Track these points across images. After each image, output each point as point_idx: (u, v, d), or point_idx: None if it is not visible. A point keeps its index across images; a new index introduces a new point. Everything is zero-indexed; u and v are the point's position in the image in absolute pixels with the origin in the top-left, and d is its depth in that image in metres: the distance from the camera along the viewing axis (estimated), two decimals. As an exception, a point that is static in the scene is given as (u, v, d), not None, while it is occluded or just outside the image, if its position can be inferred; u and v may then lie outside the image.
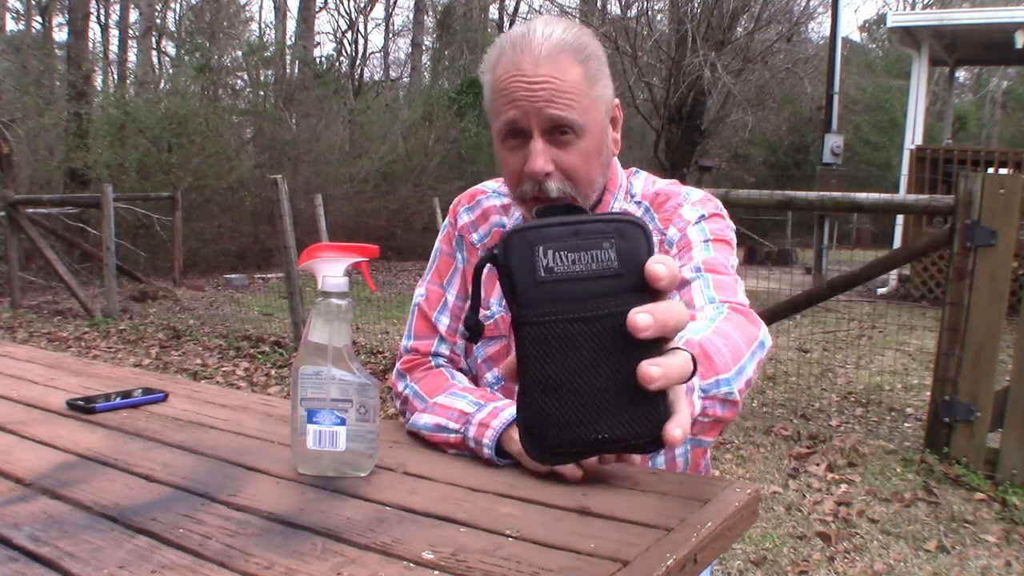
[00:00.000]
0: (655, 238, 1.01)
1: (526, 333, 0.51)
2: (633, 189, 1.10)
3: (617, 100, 1.04)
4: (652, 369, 0.50)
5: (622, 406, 0.51)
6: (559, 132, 0.95)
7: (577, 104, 0.94)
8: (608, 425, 0.51)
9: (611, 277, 0.50)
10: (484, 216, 1.15)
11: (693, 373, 0.54)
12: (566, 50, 0.93)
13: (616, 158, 1.09)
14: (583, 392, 0.50)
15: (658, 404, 0.52)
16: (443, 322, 1.12)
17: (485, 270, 0.55)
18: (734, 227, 1.09)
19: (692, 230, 1.03)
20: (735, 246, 1.06)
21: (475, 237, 1.14)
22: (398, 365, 1.14)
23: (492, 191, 1.17)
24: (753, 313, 0.93)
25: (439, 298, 1.14)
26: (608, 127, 1.02)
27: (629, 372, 0.50)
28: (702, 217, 1.04)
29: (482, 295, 1.09)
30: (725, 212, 1.08)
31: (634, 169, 1.14)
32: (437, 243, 1.18)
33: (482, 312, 1.09)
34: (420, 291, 1.16)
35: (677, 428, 0.52)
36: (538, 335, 0.50)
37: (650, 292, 0.50)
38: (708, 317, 0.88)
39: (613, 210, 1.07)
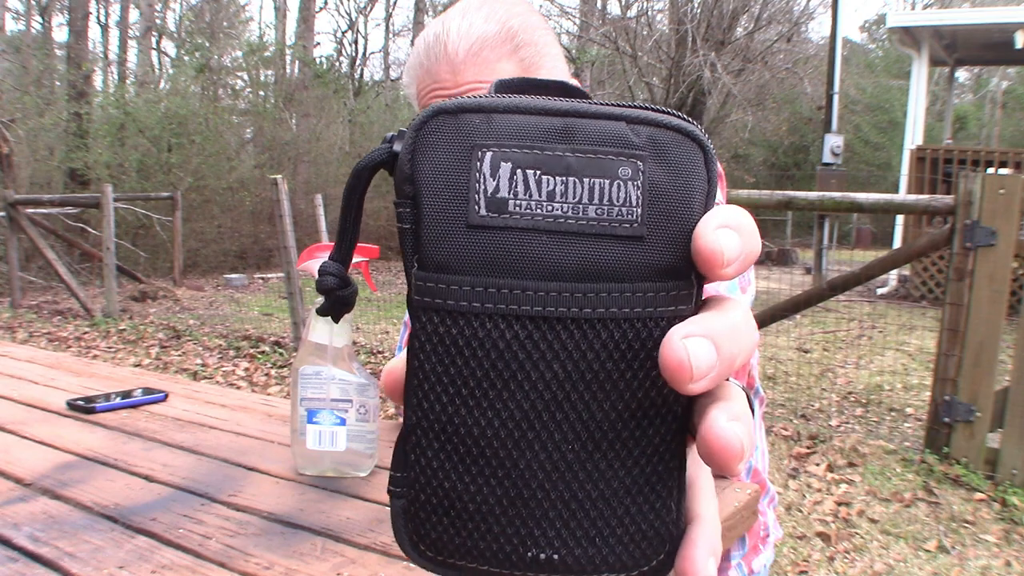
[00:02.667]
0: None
1: (428, 327, 0.25)
2: None
3: (576, 83, 0.83)
4: (695, 345, 0.23)
5: (600, 500, 0.24)
6: None
7: None
8: (565, 535, 0.25)
9: (625, 241, 0.24)
10: None
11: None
12: (488, 45, 0.79)
13: None
14: (524, 463, 0.24)
15: (669, 498, 0.25)
16: None
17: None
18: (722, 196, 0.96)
19: None
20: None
21: None
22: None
23: None
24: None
25: None
26: None
27: (625, 433, 0.24)
28: None
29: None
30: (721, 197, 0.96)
31: None
32: None
33: None
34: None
35: (710, 559, 0.25)
36: (451, 336, 0.24)
37: (697, 282, 0.25)
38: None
39: None
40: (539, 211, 0.24)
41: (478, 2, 0.82)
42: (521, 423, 0.24)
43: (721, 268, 0.23)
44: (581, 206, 0.24)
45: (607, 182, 0.24)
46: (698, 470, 0.27)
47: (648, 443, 0.24)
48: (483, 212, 0.24)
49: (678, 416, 0.25)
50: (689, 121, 0.25)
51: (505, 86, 0.29)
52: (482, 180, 0.24)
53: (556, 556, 0.25)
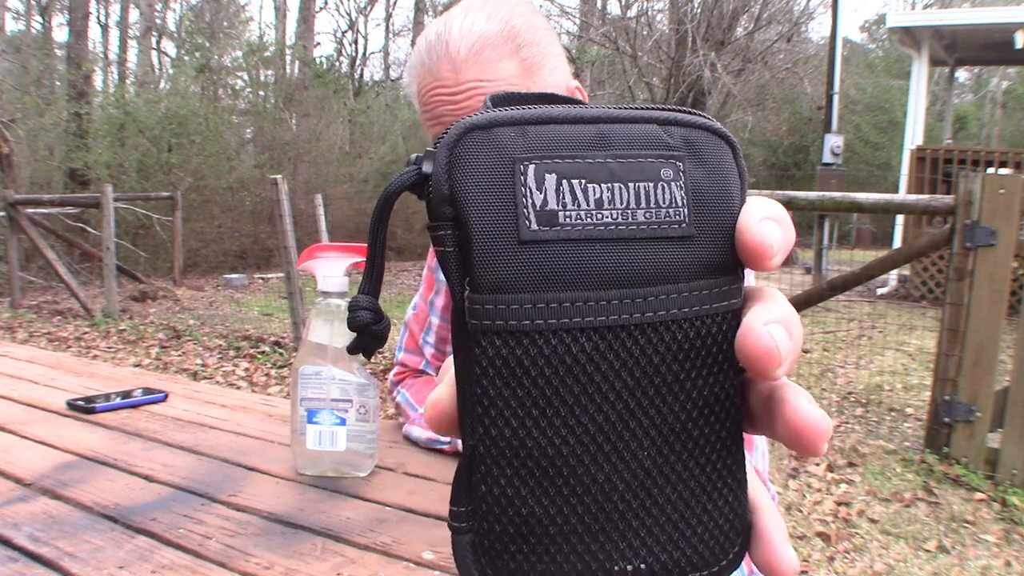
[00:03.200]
0: None
1: (489, 351, 0.23)
2: None
3: (576, 84, 0.88)
4: (778, 331, 0.23)
5: (680, 502, 0.24)
6: None
7: None
8: (651, 543, 0.24)
9: (676, 242, 0.24)
10: None
11: None
12: (490, 44, 0.79)
13: None
14: (603, 477, 0.24)
15: (741, 489, 0.25)
16: (429, 344, 1.07)
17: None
18: None
19: None
20: None
21: None
22: (391, 374, 1.14)
23: None
24: None
25: (425, 318, 1.08)
26: None
27: (696, 433, 0.24)
28: None
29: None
30: None
31: None
32: (428, 254, 1.12)
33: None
34: (412, 304, 1.12)
35: (786, 542, 0.26)
36: (515, 357, 0.23)
37: (741, 274, 0.25)
38: None
39: None
40: (590, 220, 0.23)
41: (480, 1, 0.82)
42: (596, 436, 0.23)
43: (770, 259, 0.24)
44: (630, 211, 0.23)
45: (652, 185, 0.24)
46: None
47: (717, 439, 0.25)
48: (534, 226, 0.23)
49: (739, 409, 0.25)
50: (710, 118, 0.25)
51: (498, 100, 0.28)
52: (529, 194, 0.23)
53: (643, 565, 0.24)
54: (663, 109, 0.25)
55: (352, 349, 0.29)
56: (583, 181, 0.23)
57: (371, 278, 0.29)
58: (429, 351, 1.07)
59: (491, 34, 0.79)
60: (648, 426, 0.24)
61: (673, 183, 0.24)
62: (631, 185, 0.24)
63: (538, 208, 0.23)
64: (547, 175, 0.23)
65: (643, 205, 0.24)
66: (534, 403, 0.23)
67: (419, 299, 1.10)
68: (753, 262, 0.24)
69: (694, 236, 0.24)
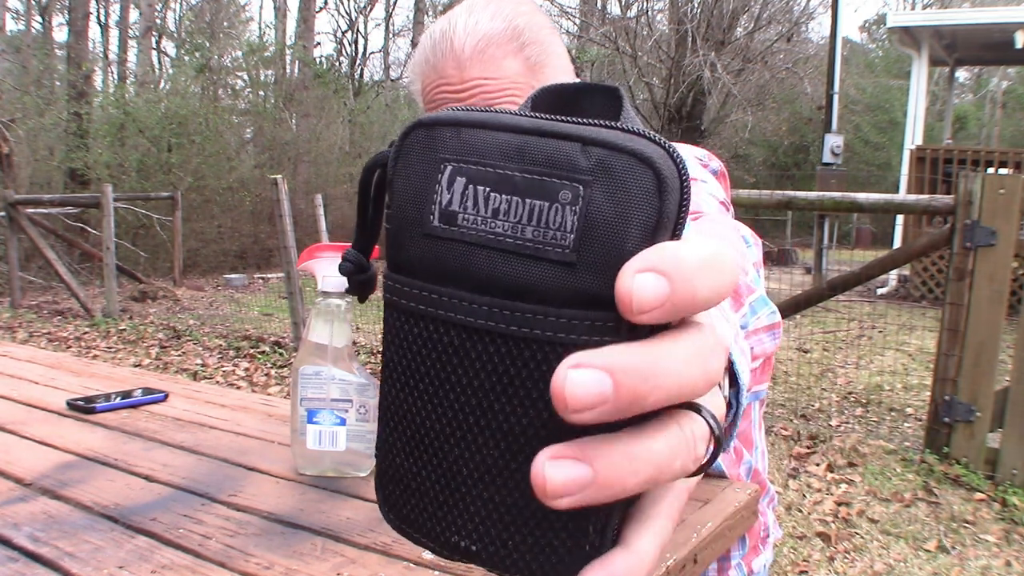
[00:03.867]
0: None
1: (388, 319, 0.27)
2: None
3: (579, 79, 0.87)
4: (556, 469, 0.22)
5: (514, 507, 0.25)
6: None
7: (520, 101, 0.78)
8: (482, 530, 0.25)
9: (556, 266, 0.23)
10: None
11: (716, 450, 0.25)
12: (495, 42, 0.79)
13: None
14: (452, 457, 0.25)
15: (586, 523, 0.24)
16: None
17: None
18: (719, 186, 0.89)
19: None
20: (725, 204, 0.86)
21: None
22: None
23: None
24: None
25: None
26: None
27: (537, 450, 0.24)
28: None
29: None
30: (708, 176, 0.88)
31: None
32: None
33: None
34: None
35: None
36: (403, 331, 0.26)
37: (624, 322, 0.23)
38: None
39: None
40: (483, 227, 0.24)
41: (484, 0, 0.82)
42: (452, 421, 0.25)
43: (632, 315, 0.21)
44: (520, 226, 0.24)
45: (547, 204, 0.24)
46: (655, 503, 0.25)
47: None
48: (436, 223, 0.25)
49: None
50: (662, 146, 0.24)
51: (550, 92, 0.29)
52: (440, 192, 0.25)
53: (474, 547, 0.25)
54: (613, 127, 0.24)
55: (347, 291, 0.34)
56: (487, 189, 0.24)
57: (360, 236, 0.32)
58: None
59: (495, 32, 0.79)
60: (495, 428, 0.24)
61: (568, 207, 0.23)
62: (528, 201, 0.24)
63: (443, 207, 0.25)
64: (458, 178, 0.25)
65: (533, 223, 0.24)
66: (411, 374, 0.26)
67: None
68: (621, 312, 0.22)
69: (575, 264, 0.23)
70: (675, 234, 0.24)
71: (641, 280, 0.21)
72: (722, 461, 0.89)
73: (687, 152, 0.89)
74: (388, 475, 0.27)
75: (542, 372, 0.23)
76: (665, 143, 0.24)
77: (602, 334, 0.23)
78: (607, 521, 0.24)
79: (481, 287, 0.24)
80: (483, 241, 0.24)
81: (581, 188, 0.23)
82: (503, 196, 0.24)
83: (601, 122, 0.24)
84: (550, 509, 0.23)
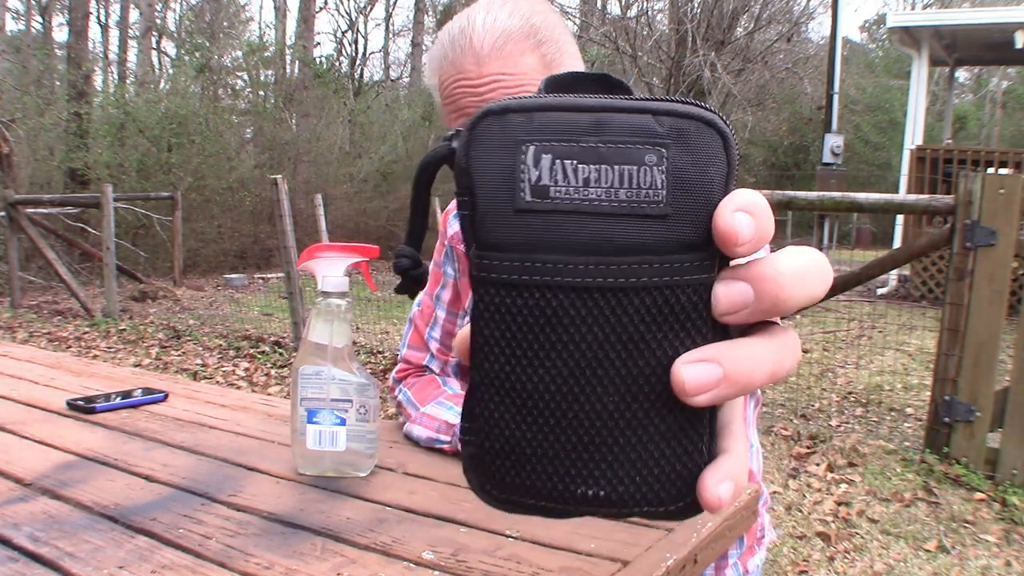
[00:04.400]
0: None
1: (485, 297, 0.28)
2: None
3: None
4: (695, 371, 0.26)
5: (641, 444, 0.28)
6: None
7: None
8: (609, 476, 0.28)
9: (651, 219, 0.27)
10: None
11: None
12: (512, 39, 0.81)
13: None
14: (571, 413, 0.28)
15: (700, 440, 0.28)
16: (434, 339, 1.08)
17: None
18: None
19: None
20: None
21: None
22: (394, 371, 1.14)
23: None
24: None
25: (431, 313, 1.09)
26: None
27: (659, 387, 0.27)
28: None
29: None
30: None
31: None
32: (435, 250, 1.14)
33: None
34: (416, 301, 1.12)
35: (723, 482, 0.27)
36: (505, 305, 0.28)
37: (719, 257, 0.27)
38: None
39: None
40: (577, 196, 0.27)
41: (505, 1, 0.84)
42: (568, 379, 0.27)
43: (735, 246, 0.26)
44: (613, 190, 0.27)
45: (635, 168, 0.27)
46: (732, 413, 0.29)
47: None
48: (528, 198, 0.27)
49: None
50: (712, 111, 0.27)
51: (554, 81, 0.32)
52: (527, 171, 0.27)
53: (602, 492, 0.28)
54: (668, 100, 0.27)
55: (398, 290, 0.37)
56: (574, 162, 0.27)
57: (411, 234, 0.36)
58: (434, 345, 1.07)
59: (513, 30, 0.81)
60: (613, 375, 0.27)
61: (655, 167, 0.27)
62: (616, 167, 0.27)
63: (533, 182, 0.27)
64: (543, 155, 0.27)
65: (625, 185, 0.27)
66: (518, 344, 0.28)
67: (424, 296, 1.10)
68: (723, 247, 0.26)
69: (670, 215, 0.27)
70: (735, 180, 0.28)
71: (740, 217, 0.26)
72: None
73: None
74: (496, 451, 0.29)
75: (652, 316, 0.27)
76: (714, 110, 0.28)
77: (699, 272, 0.27)
78: (712, 436, 0.28)
79: (583, 249, 0.27)
80: (579, 208, 0.27)
81: (664, 151, 0.27)
82: (591, 166, 0.27)
83: (660, 97, 0.28)
84: (672, 437, 0.28)
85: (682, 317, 0.27)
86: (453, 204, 1.09)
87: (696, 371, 0.26)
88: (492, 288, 0.28)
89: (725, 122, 0.27)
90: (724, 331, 0.28)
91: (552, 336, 0.27)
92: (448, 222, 1.08)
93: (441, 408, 0.97)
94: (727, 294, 0.27)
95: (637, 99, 0.28)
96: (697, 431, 0.28)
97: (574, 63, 0.87)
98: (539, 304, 0.27)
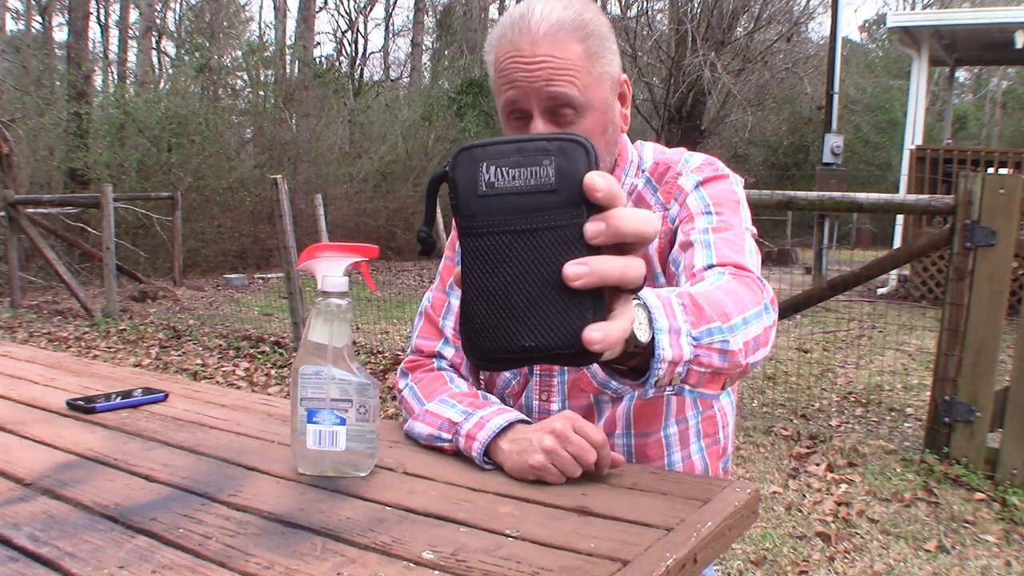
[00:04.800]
0: (657, 213, 0.99)
1: (465, 244, 0.51)
2: (644, 164, 1.06)
3: (625, 76, 1.03)
4: (574, 268, 0.47)
5: (550, 314, 0.49)
6: (560, 110, 0.94)
7: (577, 81, 0.93)
8: (535, 333, 0.49)
9: (547, 192, 0.49)
10: None
11: (643, 281, 0.51)
12: (564, 28, 0.93)
13: (625, 135, 1.07)
14: (513, 300, 0.50)
15: (585, 311, 0.49)
16: (448, 325, 1.12)
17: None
18: (741, 180, 1.05)
19: (691, 199, 0.99)
20: (743, 202, 1.00)
21: None
22: (402, 363, 1.15)
23: None
24: (759, 279, 0.85)
25: (443, 303, 1.13)
26: (615, 103, 1.00)
27: (559, 281, 0.49)
28: (698, 184, 1.00)
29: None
30: (728, 171, 1.03)
31: (640, 141, 1.11)
32: (444, 250, 1.18)
33: None
34: (427, 297, 1.16)
35: (596, 331, 0.47)
36: (476, 246, 0.51)
37: (589, 206, 0.49)
38: (708, 281, 0.83)
39: (624, 183, 1.04)
40: (508, 185, 0.51)
41: None
42: (511, 280, 0.50)
43: (594, 192, 0.49)
44: (527, 180, 0.50)
45: (538, 167, 0.50)
46: (618, 303, 0.52)
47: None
48: (483, 189, 0.51)
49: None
50: (580, 138, 0.50)
51: (465, 148, 0.54)
52: (482, 174, 0.51)
53: (534, 343, 0.50)
54: (555, 136, 0.51)
55: (421, 253, 0.60)
56: (507, 168, 0.51)
57: (426, 221, 0.58)
58: (449, 331, 1.12)
59: (566, 20, 0.94)
60: (534, 275, 0.50)
61: (550, 166, 0.50)
62: (529, 168, 0.50)
63: (486, 181, 0.51)
64: (491, 167, 0.51)
65: (533, 177, 0.50)
66: (484, 265, 0.51)
67: (435, 291, 1.16)
68: (588, 195, 0.49)
69: (557, 190, 0.50)
70: (597, 167, 0.51)
71: (594, 177, 0.49)
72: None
73: (700, 159, 1.04)
74: (475, 329, 0.51)
75: (552, 243, 0.49)
76: (583, 137, 0.51)
77: (575, 219, 0.49)
78: (598, 307, 0.50)
79: (513, 212, 0.50)
80: (510, 191, 0.50)
81: (553, 158, 0.50)
82: (515, 169, 0.50)
83: (553, 134, 0.51)
84: (570, 304, 0.49)
85: (568, 242, 0.49)
86: None
87: (574, 269, 0.48)
88: (468, 239, 0.51)
89: (587, 141, 0.50)
90: (597, 250, 0.49)
91: (501, 258, 0.50)
92: None
93: (444, 406, 0.97)
94: (591, 227, 0.49)
95: (539, 135, 0.51)
96: (582, 304, 0.49)
97: (613, 59, 0.99)
98: (494, 243, 0.50)
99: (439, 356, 1.12)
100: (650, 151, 1.08)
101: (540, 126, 0.94)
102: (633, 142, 1.10)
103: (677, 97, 12.50)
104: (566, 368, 1.03)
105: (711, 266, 0.88)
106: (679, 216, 0.99)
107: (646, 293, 0.64)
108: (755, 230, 0.99)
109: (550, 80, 0.92)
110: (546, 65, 0.92)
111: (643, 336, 0.61)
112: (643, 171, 1.05)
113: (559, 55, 0.92)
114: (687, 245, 0.94)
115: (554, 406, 1.05)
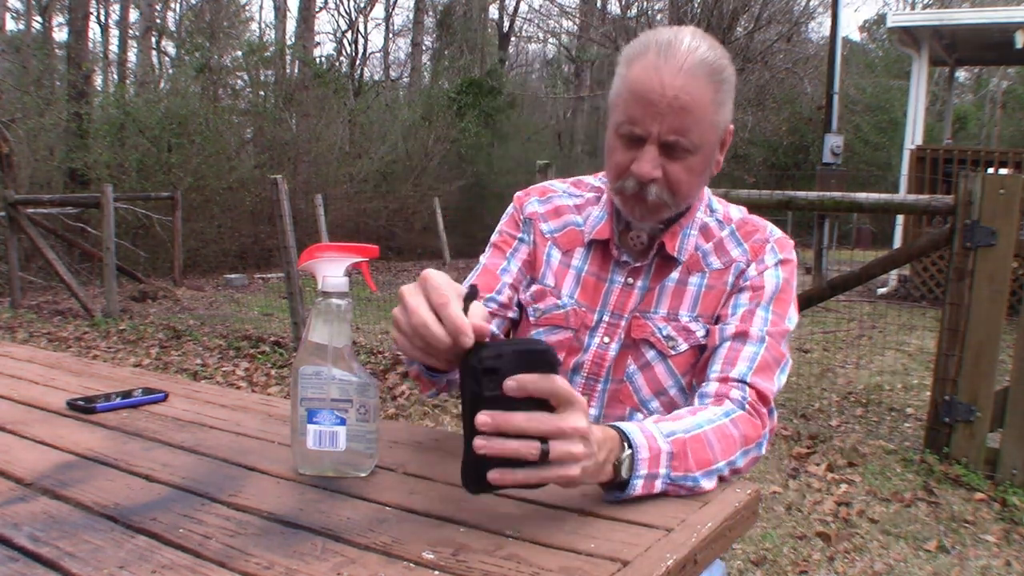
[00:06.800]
0: (737, 268, 1.06)
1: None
2: (712, 205, 1.12)
3: (732, 126, 1.06)
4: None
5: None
6: (674, 147, 0.97)
7: (698, 127, 0.96)
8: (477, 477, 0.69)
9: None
10: (557, 212, 1.16)
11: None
12: (706, 69, 0.95)
13: None
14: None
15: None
16: (506, 282, 1.14)
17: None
18: (797, 265, 1.12)
19: (768, 275, 1.05)
20: (794, 290, 1.08)
21: (545, 227, 1.15)
22: None
23: (562, 191, 1.18)
24: (768, 413, 0.96)
25: (502, 264, 1.15)
26: (717, 149, 1.04)
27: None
28: (779, 262, 1.06)
29: (554, 284, 1.12)
30: (795, 254, 1.10)
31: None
32: (499, 228, 1.20)
33: (553, 300, 1.11)
34: (482, 258, 1.18)
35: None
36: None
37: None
38: (722, 411, 0.92)
39: (696, 218, 1.09)
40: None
41: (703, 35, 0.99)
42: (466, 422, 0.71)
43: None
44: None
45: None
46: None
47: None
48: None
49: None
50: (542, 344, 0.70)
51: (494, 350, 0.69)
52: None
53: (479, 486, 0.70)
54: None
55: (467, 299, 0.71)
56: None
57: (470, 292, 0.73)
58: (508, 277, 1.15)
59: (709, 61, 0.96)
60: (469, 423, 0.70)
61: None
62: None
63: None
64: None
65: None
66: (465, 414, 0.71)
67: (490, 259, 1.17)
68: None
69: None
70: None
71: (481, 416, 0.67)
72: None
73: (780, 235, 1.10)
74: (464, 464, 0.69)
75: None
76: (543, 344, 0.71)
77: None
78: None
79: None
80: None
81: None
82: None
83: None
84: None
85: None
86: (525, 191, 1.20)
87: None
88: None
89: (544, 345, 0.70)
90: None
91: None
92: (526, 203, 1.18)
93: None
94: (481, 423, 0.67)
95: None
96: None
97: (730, 109, 1.02)
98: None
99: (491, 299, 1.12)
100: (713, 198, 1.14)
101: (653, 154, 0.97)
102: None
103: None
104: (610, 377, 1.08)
105: (743, 381, 0.96)
106: (752, 280, 1.05)
107: (639, 440, 0.78)
108: (795, 324, 1.06)
109: (680, 116, 0.94)
110: (677, 103, 0.94)
111: (625, 475, 0.76)
112: (713, 213, 1.11)
113: (694, 94, 0.94)
114: (743, 334, 1.01)
115: (592, 411, 1.08)
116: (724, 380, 0.97)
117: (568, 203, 1.16)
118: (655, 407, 1.06)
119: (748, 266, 1.06)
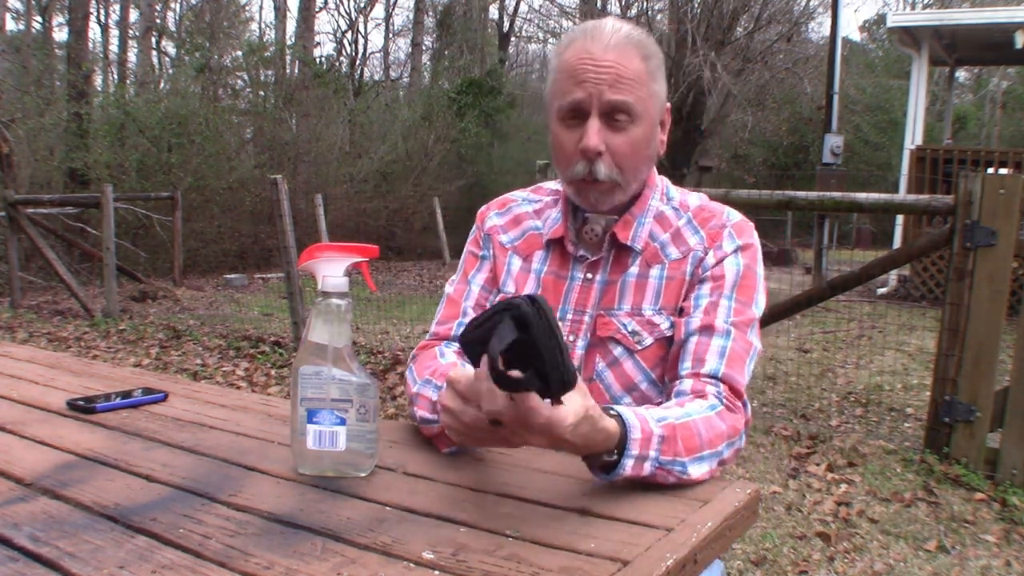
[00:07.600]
0: (695, 257, 1.07)
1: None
2: (669, 193, 1.13)
3: (668, 105, 1.10)
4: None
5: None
6: (615, 116, 1.01)
7: (636, 92, 1.01)
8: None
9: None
10: (516, 221, 1.18)
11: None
12: (632, 43, 1.02)
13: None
14: None
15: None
16: (468, 305, 1.16)
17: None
18: (760, 248, 1.11)
19: (728, 263, 1.05)
20: (760, 276, 1.08)
21: (504, 239, 1.17)
22: (416, 347, 1.17)
23: (522, 199, 1.21)
24: (743, 405, 0.98)
25: (465, 290, 1.18)
26: (658, 127, 1.08)
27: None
28: (738, 249, 1.06)
29: (515, 290, 1.13)
30: (756, 239, 1.10)
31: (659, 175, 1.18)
32: (466, 247, 1.23)
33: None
34: (449, 287, 1.21)
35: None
36: None
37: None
38: (707, 405, 0.93)
39: (650, 206, 1.11)
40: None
41: (624, 21, 1.07)
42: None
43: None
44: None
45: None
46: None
47: None
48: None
49: None
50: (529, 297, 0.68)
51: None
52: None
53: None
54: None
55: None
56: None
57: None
58: (469, 309, 1.17)
59: (635, 37, 1.03)
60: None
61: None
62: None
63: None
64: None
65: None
66: None
67: (456, 284, 1.19)
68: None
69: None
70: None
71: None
72: None
73: (738, 218, 1.10)
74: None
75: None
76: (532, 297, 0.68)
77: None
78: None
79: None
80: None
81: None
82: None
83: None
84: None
85: None
86: (487, 206, 1.22)
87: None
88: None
89: (535, 299, 0.68)
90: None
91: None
92: (486, 218, 1.21)
93: (429, 387, 1.00)
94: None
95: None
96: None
97: (664, 85, 1.08)
98: None
99: (454, 340, 1.14)
100: (672, 187, 1.15)
101: (596, 125, 1.00)
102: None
103: (677, 97, 12.49)
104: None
105: (715, 377, 0.98)
106: (711, 270, 1.04)
107: (632, 421, 0.80)
108: (763, 309, 1.07)
109: (613, 84, 0.99)
110: (612, 70, 1.00)
111: (614, 455, 0.79)
112: (669, 200, 1.12)
113: (625, 64, 1.00)
114: (708, 327, 1.01)
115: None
116: (696, 376, 0.98)
117: (527, 210, 1.18)
118: (627, 403, 1.06)
119: (706, 254, 1.06)
